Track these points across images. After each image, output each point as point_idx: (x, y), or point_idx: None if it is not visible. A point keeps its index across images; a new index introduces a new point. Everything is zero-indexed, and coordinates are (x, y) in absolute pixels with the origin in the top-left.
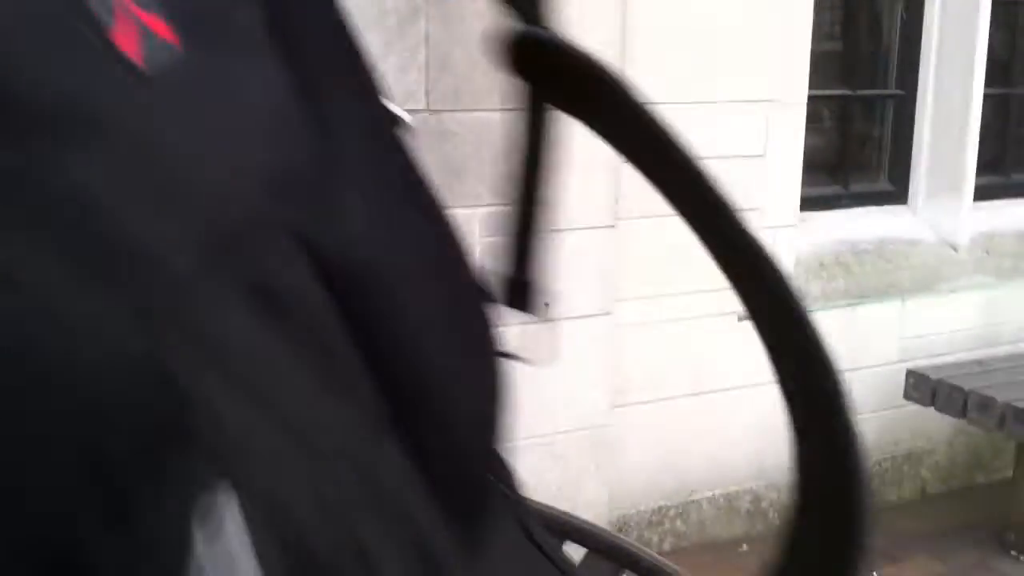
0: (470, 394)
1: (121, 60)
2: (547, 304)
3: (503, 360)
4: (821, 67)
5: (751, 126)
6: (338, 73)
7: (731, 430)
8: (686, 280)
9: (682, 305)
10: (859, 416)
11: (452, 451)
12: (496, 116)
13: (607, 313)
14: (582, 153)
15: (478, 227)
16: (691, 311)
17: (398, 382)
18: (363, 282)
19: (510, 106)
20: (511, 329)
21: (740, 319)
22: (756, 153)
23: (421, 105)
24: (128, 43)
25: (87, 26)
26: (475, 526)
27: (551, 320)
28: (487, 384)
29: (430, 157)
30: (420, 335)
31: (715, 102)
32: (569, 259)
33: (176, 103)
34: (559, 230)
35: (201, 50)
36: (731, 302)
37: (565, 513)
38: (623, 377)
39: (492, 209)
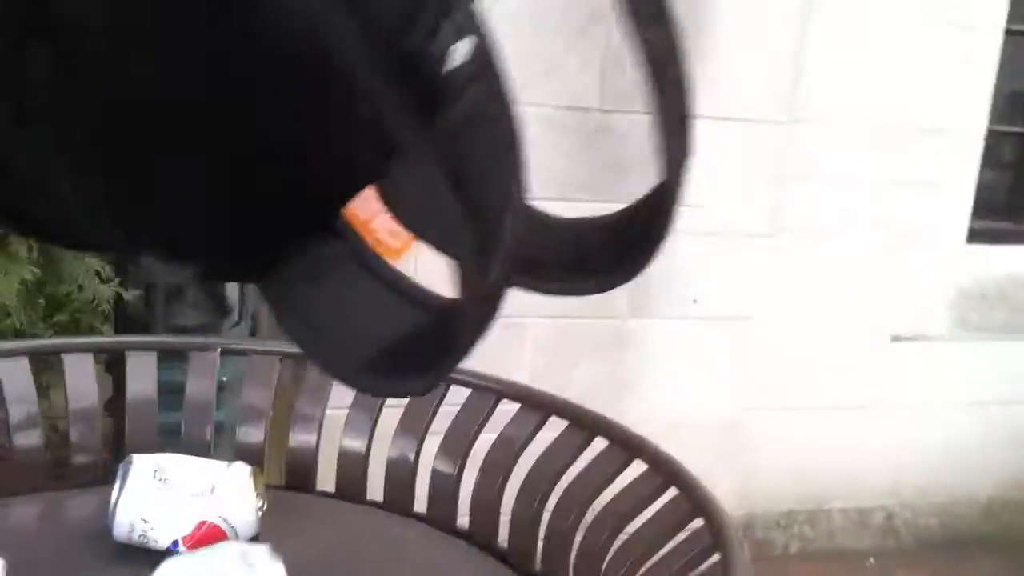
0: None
1: None
2: (695, 301)
3: None
4: (1012, 105)
5: (928, 154)
6: None
7: (866, 446)
8: (837, 298)
9: (828, 321)
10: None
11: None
12: None
13: (749, 318)
14: (743, 162)
15: None
16: (837, 328)
17: None
18: None
19: None
20: (656, 323)
21: (894, 339)
22: (930, 181)
23: (594, 104)
24: None
25: None
26: None
27: (695, 318)
28: None
29: (597, 153)
30: None
31: (895, 125)
32: (721, 262)
33: None
34: (715, 233)
35: None
36: (883, 323)
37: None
38: (759, 382)
39: None
